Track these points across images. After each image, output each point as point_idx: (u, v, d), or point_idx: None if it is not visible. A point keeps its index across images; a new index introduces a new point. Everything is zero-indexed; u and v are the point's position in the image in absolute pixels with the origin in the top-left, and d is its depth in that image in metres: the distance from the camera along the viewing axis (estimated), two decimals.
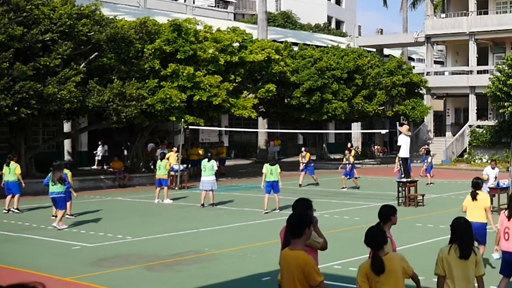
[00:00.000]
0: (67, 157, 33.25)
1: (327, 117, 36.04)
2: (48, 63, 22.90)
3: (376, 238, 6.00)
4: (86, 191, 25.01)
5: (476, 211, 11.15)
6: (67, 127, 33.23)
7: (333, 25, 69.71)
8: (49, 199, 16.86)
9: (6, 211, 19.01)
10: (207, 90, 27.49)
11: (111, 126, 27.24)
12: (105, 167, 32.95)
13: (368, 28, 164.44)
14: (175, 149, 26.91)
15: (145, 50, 26.82)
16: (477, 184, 11.45)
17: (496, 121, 39.42)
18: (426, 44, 43.67)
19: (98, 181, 27.44)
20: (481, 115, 41.74)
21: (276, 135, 44.10)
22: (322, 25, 66.41)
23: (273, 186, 18.89)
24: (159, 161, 22.37)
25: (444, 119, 45.63)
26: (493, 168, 19.09)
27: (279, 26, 59.42)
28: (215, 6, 60.76)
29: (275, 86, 31.54)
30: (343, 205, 20.73)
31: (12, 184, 19.35)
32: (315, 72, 34.51)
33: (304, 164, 26.99)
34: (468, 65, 42.00)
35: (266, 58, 30.56)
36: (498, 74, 35.88)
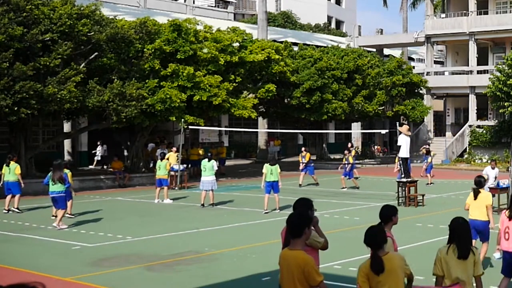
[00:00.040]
0: (67, 157, 33.26)
1: (327, 117, 36.05)
2: (48, 63, 22.90)
3: (376, 238, 6.00)
4: (86, 191, 25.02)
5: (478, 209, 11.26)
6: (67, 127, 33.23)
7: (333, 25, 69.72)
8: (49, 199, 16.87)
9: (6, 211, 19.02)
10: (207, 90, 27.49)
11: (111, 126, 27.24)
12: (104, 167, 32.95)
13: (368, 28, 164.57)
14: (174, 149, 26.91)
15: (145, 50, 26.82)
16: (479, 183, 11.55)
17: (496, 121, 39.42)
18: (426, 44, 43.67)
19: (98, 181, 27.44)
20: (481, 115, 41.75)
21: (276, 135, 44.10)
22: (322, 25, 66.41)
23: (273, 186, 18.89)
24: (159, 161, 22.37)
25: (444, 119, 45.63)
26: (493, 168, 19.09)
27: (279, 26, 59.42)
28: (215, 6, 60.76)
29: (275, 86, 31.55)
30: (343, 205, 20.73)
31: (12, 184, 19.36)
32: (315, 72, 34.52)
33: (304, 164, 27.00)
34: (468, 65, 42.01)
35: (266, 58, 30.56)
36: (498, 74, 35.88)
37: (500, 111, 36.42)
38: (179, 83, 27.07)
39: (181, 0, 55.51)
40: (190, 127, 28.89)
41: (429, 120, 43.23)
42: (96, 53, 25.03)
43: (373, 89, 37.94)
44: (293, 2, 65.41)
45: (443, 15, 44.92)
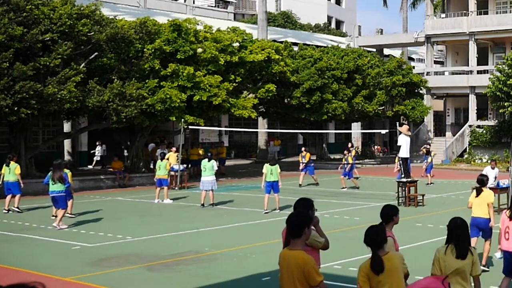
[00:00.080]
0: (67, 157, 33.26)
1: (327, 117, 36.05)
2: (48, 63, 22.90)
3: (376, 238, 6.00)
4: (86, 191, 25.02)
5: (480, 206, 11.48)
6: (67, 127, 33.23)
7: (333, 25, 69.71)
8: (49, 199, 16.87)
9: (6, 211, 19.02)
10: (207, 90, 27.50)
11: (111, 126, 27.25)
12: (104, 167, 32.96)
13: (368, 28, 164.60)
14: (174, 149, 26.91)
15: (145, 50, 26.82)
16: (481, 181, 11.84)
17: (496, 121, 39.42)
18: (426, 44, 43.67)
19: (98, 181, 27.44)
20: (481, 115, 41.75)
21: (276, 135, 44.10)
22: (322, 25, 66.41)
23: (273, 186, 18.89)
24: (159, 161, 22.37)
25: (444, 119, 45.63)
26: (493, 168, 19.10)
27: (279, 26, 59.42)
28: (215, 6, 60.76)
29: (275, 86, 31.55)
30: (343, 205, 20.73)
31: (12, 184, 19.36)
32: (315, 72, 34.52)
33: (304, 164, 26.99)
34: (468, 65, 42.01)
35: (266, 58, 30.56)
36: (498, 74, 35.88)
37: (500, 111, 36.42)
38: (179, 83, 27.08)
39: (181, 0, 55.51)
40: (190, 127, 28.90)
41: (429, 120, 43.23)
42: (96, 53, 25.04)
43: (373, 89, 37.94)
44: (293, 2, 65.41)
45: (443, 15, 44.92)
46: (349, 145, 29.46)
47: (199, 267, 11.90)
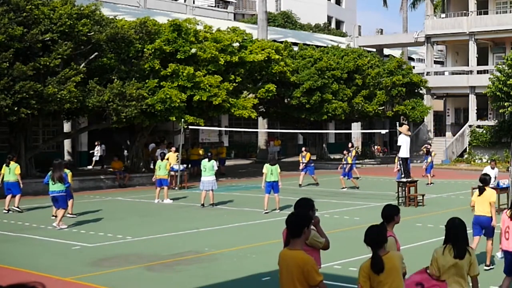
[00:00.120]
0: (67, 157, 33.26)
1: (327, 117, 36.05)
2: (48, 63, 22.91)
3: (376, 237, 6.01)
4: (86, 191, 25.03)
5: (482, 205, 11.57)
6: (67, 127, 33.24)
7: (333, 25, 69.71)
8: (49, 199, 16.86)
9: (6, 211, 19.02)
10: (207, 90, 27.50)
11: (111, 126, 27.25)
12: (105, 166, 32.95)
13: (368, 28, 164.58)
14: (173, 149, 26.91)
15: (145, 50, 26.82)
16: (484, 180, 11.85)
17: (496, 121, 39.42)
18: (426, 44, 43.67)
19: (98, 181, 27.44)
20: (481, 115, 41.75)
21: (276, 135, 44.09)
22: (322, 25, 66.40)
23: (273, 186, 18.89)
24: (159, 161, 22.37)
25: (444, 119, 45.63)
26: (492, 168, 19.10)
27: (279, 26, 59.42)
28: (215, 6, 60.76)
29: (275, 86, 31.55)
30: (343, 205, 20.73)
31: (12, 184, 19.36)
32: (315, 72, 34.52)
33: (304, 164, 26.98)
34: (468, 65, 42.01)
35: (266, 58, 30.56)
36: (498, 74, 35.88)
37: (500, 111, 36.42)
38: (179, 83, 27.08)
39: (181, 0, 55.51)
40: (190, 127, 28.90)
41: (429, 120, 43.23)
42: (96, 53, 25.04)
43: (373, 89, 37.94)
44: (293, 2, 65.41)
45: (443, 15, 44.92)
46: (349, 145, 29.44)
47: (199, 267, 11.90)
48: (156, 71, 27.15)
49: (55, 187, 16.27)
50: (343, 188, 25.68)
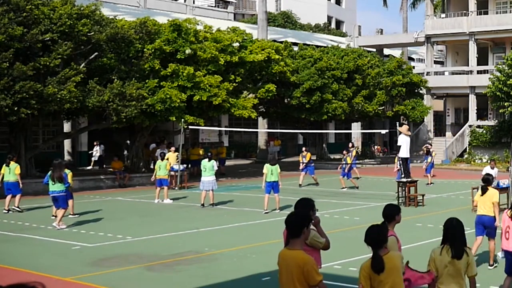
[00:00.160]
0: (67, 157, 33.26)
1: (327, 117, 36.05)
2: (48, 63, 22.91)
3: (377, 237, 6.01)
4: (86, 191, 25.02)
5: (485, 205, 11.65)
6: (67, 127, 33.24)
7: (333, 25, 69.71)
8: (49, 199, 16.87)
9: (6, 211, 19.02)
10: (207, 90, 27.50)
11: (111, 126, 27.25)
12: (104, 166, 32.96)
13: (368, 28, 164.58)
14: (173, 148, 26.89)
15: (145, 50, 26.82)
16: (487, 180, 11.95)
17: (496, 121, 39.42)
18: (426, 44, 43.67)
19: (98, 181, 27.44)
20: (481, 115, 41.75)
21: (276, 135, 44.10)
22: (322, 25, 66.40)
23: (273, 186, 18.89)
24: (159, 161, 22.37)
25: (444, 119, 45.63)
26: (492, 168, 19.09)
27: (279, 26, 59.42)
28: (215, 6, 60.76)
29: (275, 86, 31.54)
30: (343, 205, 20.73)
31: (12, 184, 19.37)
32: (315, 72, 34.52)
33: (305, 164, 26.96)
34: (468, 65, 42.01)
35: (266, 58, 30.56)
36: (498, 74, 35.87)
37: (500, 111, 36.42)
38: (179, 83, 27.08)
39: (181, 0, 55.51)
40: (190, 127, 28.90)
41: (429, 120, 43.23)
42: (96, 53, 25.04)
43: (373, 89, 37.94)
44: (293, 2, 65.40)
45: (443, 15, 44.92)
46: (350, 145, 29.47)
47: (199, 267, 11.90)
48: (156, 71, 27.15)
49: (55, 187, 16.27)
50: (343, 188, 25.69)
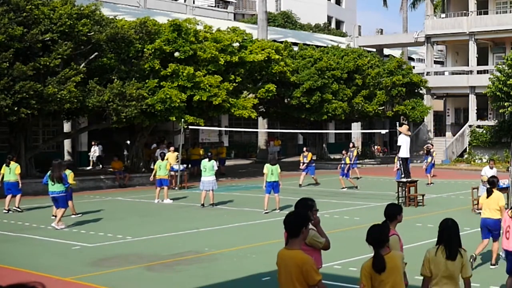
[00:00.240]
0: (67, 157, 33.25)
1: (327, 117, 36.04)
2: (48, 63, 22.91)
3: (378, 237, 6.02)
4: (86, 191, 25.02)
5: (490, 208, 11.62)
6: (67, 127, 33.23)
7: (333, 25, 69.71)
8: (49, 199, 16.86)
9: (6, 211, 19.02)
10: (207, 90, 27.50)
11: (111, 126, 27.25)
12: (100, 166, 32.99)
13: (368, 28, 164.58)
14: (172, 148, 26.88)
15: (145, 50, 26.82)
16: (492, 182, 12.01)
17: (496, 121, 39.42)
18: (426, 44, 43.67)
19: (98, 181, 27.43)
20: (481, 115, 41.74)
21: (276, 135, 44.10)
22: (322, 25, 66.40)
23: (273, 186, 18.89)
24: (159, 161, 22.37)
25: (444, 119, 45.63)
26: (491, 168, 19.05)
27: (279, 26, 59.42)
28: (215, 6, 60.76)
29: (275, 86, 31.54)
30: (343, 205, 20.73)
31: (12, 184, 19.36)
32: (315, 72, 34.51)
33: (306, 164, 26.93)
34: (468, 65, 42.00)
35: (266, 58, 30.56)
36: (498, 74, 35.87)
37: (500, 111, 36.41)
38: (179, 83, 27.08)
39: (181, 0, 55.51)
40: (190, 127, 28.89)
41: (429, 120, 43.22)
42: (96, 53, 25.04)
43: (373, 89, 37.94)
44: (293, 2, 65.40)
45: (443, 15, 44.91)
46: (351, 145, 29.51)
47: (199, 267, 11.90)
48: (156, 71, 27.15)
49: (55, 188, 16.25)
50: (343, 188, 25.68)
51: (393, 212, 7.20)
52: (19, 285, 2.97)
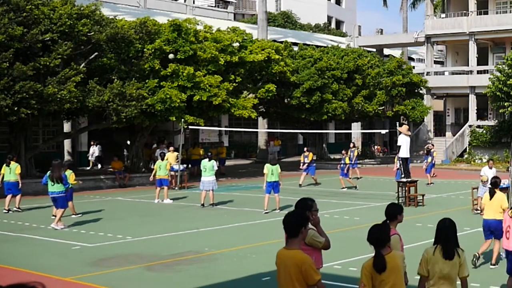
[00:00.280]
0: (67, 157, 33.24)
1: (327, 117, 36.05)
2: (48, 63, 22.91)
3: (379, 236, 6.02)
4: (86, 191, 25.01)
5: (492, 208, 11.63)
6: (67, 127, 33.23)
7: (333, 25, 69.71)
8: (49, 199, 16.84)
9: (6, 211, 19.01)
10: (207, 90, 27.50)
11: (111, 126, 27.24)
12: (99, 166, 32.98)
13: (368, 28, 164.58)
14: (172, 148, 26.88)
15: (145, 50, 26.82)
16: (495, 183, 11.97)
17: (496, 121, 39.41)
18: (426, 44, 43.66)
19: (98, 181, 27.43)
20: (481, 115, 41.74)
21: (276, 135, 44.11)
22: (322, 25, 66.40)
23: (273, 186, 18.89)
24: (159, 161, 22.36)
25: (444, 119, 45.63)
26: (490, 168, 19.04)
27: (279, 26, 59.42)
28: (215, 6, 60.76)
29: (275, 86, 31.54)
30: (343, 205, 20.73)
31: (12, 184, 19.36)
32: (315, 72, 34.51)
33: (307, 164, 26.91)
34: (468, 65, 42.00)
35: (266, 58, 30.56)
36: (498, 74, 35.87)
37: (500, 111, 36.41)
38: (179, 83, 27.08)
39: (181, 0, 55.51)
40: (190, 127, 28.89)
41: (429, 120, 43.22)
42: (96, 53, 25.04)
43: (373, 89, 37.94)
44: (293, 2, 65.40)
45: (443, 15, 44.91)
46: (351, 145, 29.52)
47: (199, 267, 11.90)
48: (156, 71, 27.15)
49: (55, 188, 16.23)
50: (343, 188, 25.68)
51: (393, 212, 7.21)
52: (19, 285, 2.97)
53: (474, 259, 11.50)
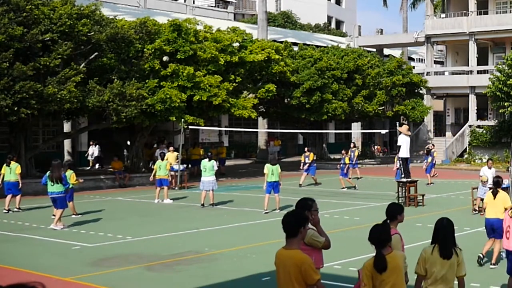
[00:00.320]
0: (67, 157, 33.24)
1: (327, 117, 36.05)
2: (48, 63, 22.91)
3: (380, 236, 6.02)
4: (86, 191, 25.01)
5: (495, 208, 11.63)
6: (67, 127, 33.23)
7: (333, 25, 69.71)
8: (49, 199, 16.84)
9: (6, 211, 19.01)
10: (207, 90, 27.50)
11: (111, 126, 27.24)
12: (97, 166, 32.96)
13: (368, 28, 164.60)
14: (172, 148, 26.88)
15: (145, 50, 26.82)
16: (497, 182, 11.95)
17: (496, 121, 39.42)
18: (426, 44, 43.66)
19: (98, 181, 27.43)
20: (481, 115, 41.74)
21: (276, 135, 44.11)
22: (322, 25, 66.40)
23: (273, 186, 18.88)
24: (159, 161, 22.36)
25: (444, 119, 45.63)
26: (489, 168, 19.05)
27: (279, 26, 59.41)
28: (215, 6, 60.76)
29: (275, 86, 31.54)
30: (343, 205, 20.73)
31: (12, 184, 19.36)
32: (315, 72, 34.51)
33: (308, 164, 26.89)
34: (468, 65, 42.00)
35: (266, 58, 30.55)
36: (498, 74, 35.87)
37: (500, 111, 36.41)
38: (179, 83, 27.08)
39: (181, 0, 55.51)
40: (190, 127, 28.89)
41: (429, 120, 43.22)
42: (96, 53, 25.04)
43: (373, 89, 37.94)
44: (293, 2, 65.40)
45: (443, 15, 44.91)
46: (352, 145, 29.52)
47: (199, 267, 11.90)
48: (156, 71, 27.15)
49: (54, 188, 16.21)
50: (343, 188, 25.69)
51: (394, 212, 7.21)
52: (19, 285, 2.97)
53: (479, 260, 11.55)
